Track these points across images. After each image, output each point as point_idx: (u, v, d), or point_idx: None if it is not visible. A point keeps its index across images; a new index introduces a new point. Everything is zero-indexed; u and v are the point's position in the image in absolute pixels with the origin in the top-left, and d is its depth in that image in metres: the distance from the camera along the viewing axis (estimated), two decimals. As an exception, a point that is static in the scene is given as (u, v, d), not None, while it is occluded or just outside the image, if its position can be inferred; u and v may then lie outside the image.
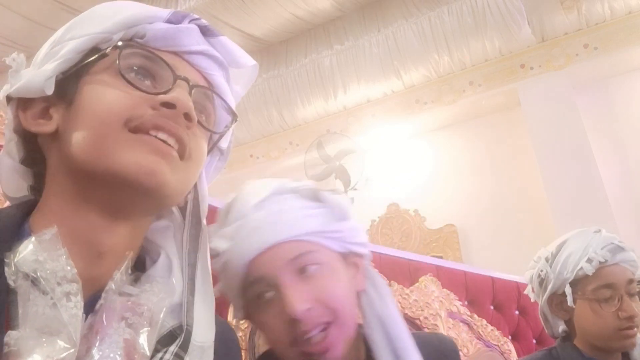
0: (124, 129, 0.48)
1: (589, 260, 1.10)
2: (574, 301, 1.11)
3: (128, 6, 0.54)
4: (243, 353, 1.15)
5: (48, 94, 0.50)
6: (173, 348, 0.47)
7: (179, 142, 0.50)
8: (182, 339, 0.48)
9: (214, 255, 0.67)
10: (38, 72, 0.50)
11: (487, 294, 1.99)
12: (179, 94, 0.50)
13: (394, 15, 3.87)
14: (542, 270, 1.17)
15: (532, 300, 1.23)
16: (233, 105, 0.59)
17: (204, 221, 0.57)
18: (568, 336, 1.18)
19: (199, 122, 0.53)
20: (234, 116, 0.59)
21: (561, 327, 1.18)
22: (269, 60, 4.37)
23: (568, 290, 1.11)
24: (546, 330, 1.22)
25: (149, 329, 0.46)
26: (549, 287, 1.15)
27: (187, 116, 0.50)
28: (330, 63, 4.09)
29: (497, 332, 1.44)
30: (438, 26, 3.70)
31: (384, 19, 3.92)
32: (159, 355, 0.46)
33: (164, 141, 0.49)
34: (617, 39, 3.46)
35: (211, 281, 0.55)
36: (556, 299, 1.15)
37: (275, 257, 0.66)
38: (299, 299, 0.64)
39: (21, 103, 0.52)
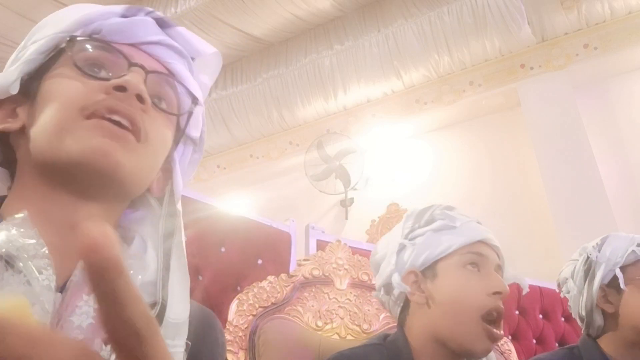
0: (79, 117, 0.50)
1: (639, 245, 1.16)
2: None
3: (86, 7, 0.57)
4: (243, 353, 1.16)
5: (12, 93, 0.53)
6: None
7: (132, 124, 0.51)
8: (156, 312, 0.49)
9: (447, 218, 1.00)
10: (4, 75, 0.53)
11: (487, 294, 1.99)
12: (131, 77, 0.52)
13: (394, 15, 3.87)
14: (591, 254, 1.20)
15: (570, 297, 1.24)
16: (197, 92, 0.60)
17: (179, 205, 0.59)
18: (592, 337, 1.19)
19: (156, 106, 0.55)
20: (194, 100, 0.60)
21: (599, 321, 1.18)
22: (269, 60, 4.37)
23: (619, 274, 1.14)
24: (580, 323, 1.22)
25: None
26: (598, 273, 1.17)
27: (139, 98, 0.51)
28: (330, 63, 4.09)
29: (497, 332, 1.43)
30: (438, 26, 3.70)
31: (384, 19, 3.92)
32: None
33: (119, 123, 0.50)
34: (617, 39, 3.46)
35: (186, 263, 0.57)
36: (601, 291, 1.17)
37: (492, 253, 0.99)
38: (506, 285, 0.94)
39: None
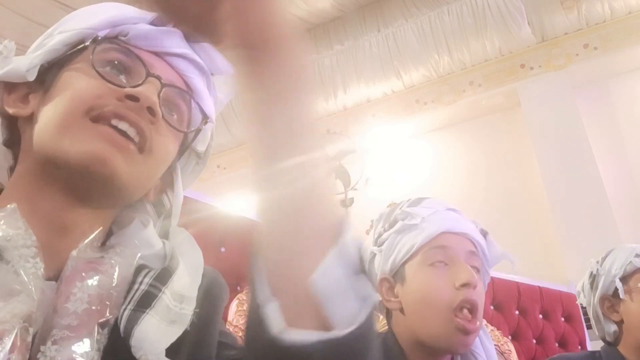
0: (85, 117, 0.50)
1: (638, 256, 1.21)
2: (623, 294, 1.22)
3: (116, 7, 0.57)
4: (243, 353, 1.15)
5: (29, 79, 0.53)
6: (147, 280, 0.49)
7: (139, 134, 0.51)
8: (158, 272, 0.50)
9: (407, 217, 0.95)
10: (24, 59, 0.53)
11: (487, 293, 1.99)
12: (146, 89, 0.52)
13: (394, 15, 3.87)
14: (593, 268, 1.28)
15: (584, 305, 1.33)
16: (209, 109, 0.60)
17: (174, 223, 0.59)
18: (613, 342, 1.26)
19: (167, 120, 0.54)
20: (205, 118, 0.59)
21: (613, 328, 1.24)
22: (269, 60, 4.37)
23: (619, 284, 1.21)
24: (596, 332, 1.30)
25: (116, 278, 0.48)
26: (600, 285, 1.25)
27: (150, 110, 0.51)
28: (330, 63, 4.09)
29: (497, 332, 1.44)
30: (438, 26, 3.70)
31: (384, 19, 3.92)
32: (135, 286, 0.49)
33: (125, 132, 0.50)
34: (617, 39, 3.46)
35: (194, 243, 0.58)
36: (607, 302, 1.24)
37: (460, 241, 0.93)
38: (474, 275, 0.88)
39: (7, 86, 0.55)
